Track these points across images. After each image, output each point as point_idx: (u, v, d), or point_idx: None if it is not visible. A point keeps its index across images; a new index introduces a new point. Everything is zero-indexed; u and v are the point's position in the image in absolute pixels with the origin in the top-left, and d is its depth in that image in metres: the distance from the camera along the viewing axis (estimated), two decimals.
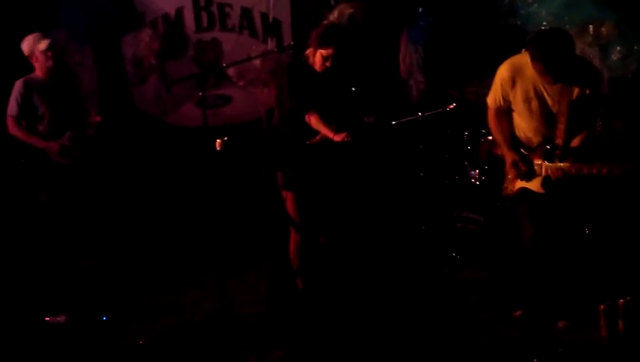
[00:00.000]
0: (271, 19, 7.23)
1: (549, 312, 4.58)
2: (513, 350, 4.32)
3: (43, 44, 5.42)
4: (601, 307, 4.45)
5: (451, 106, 6.34)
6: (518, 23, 6.64)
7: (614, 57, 6.53)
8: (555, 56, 4.17)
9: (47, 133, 5.46)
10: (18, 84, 5.43)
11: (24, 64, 5.56)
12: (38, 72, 5.50)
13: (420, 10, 7.10)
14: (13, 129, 5.43)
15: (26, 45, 5.48)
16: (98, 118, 5.73)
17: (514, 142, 4.59)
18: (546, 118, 4.42)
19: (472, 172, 6.22)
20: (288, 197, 5.08)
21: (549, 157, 4.41)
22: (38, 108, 5.43)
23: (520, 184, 4.56)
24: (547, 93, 4.38)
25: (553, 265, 4.60)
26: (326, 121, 4.97)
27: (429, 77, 7.22)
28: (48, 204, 5.48)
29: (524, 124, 4.53)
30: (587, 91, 4.33)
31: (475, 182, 6.20)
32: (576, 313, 4.62)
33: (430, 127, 6.55)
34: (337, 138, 4.88)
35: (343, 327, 4.73)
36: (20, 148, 5.50)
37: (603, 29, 6.51)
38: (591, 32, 6.48)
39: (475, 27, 7.00)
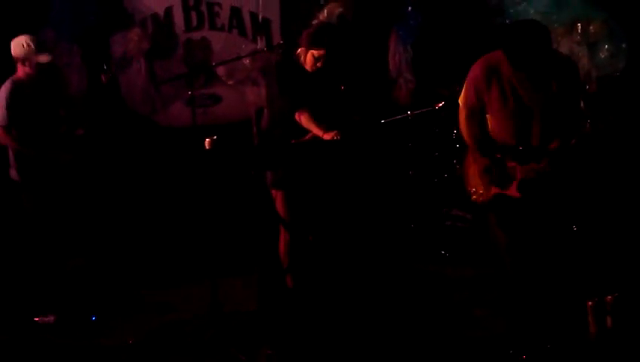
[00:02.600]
0: (260, 19, 7.22)
1: (535, 309, 4.57)
2: (502, 347, 4.33)
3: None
4: (590, 303, 4.46)
5: (440, 105, 6.35)
6: (507, 21, 6.66)
7: (602, 55, 6.56)
8: (527, 53, 3.98)
9: (31, 136, 5.27)
10: (4, 90, 5.19)
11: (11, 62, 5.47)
12: (21, 74, 5.29)
13: (409, 9, 7.11)
14: (3, 139, 5.22)
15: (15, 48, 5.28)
16: (81, 132, 5.66)
17: (487, 145, 4.36)
18: (522, 117, 4.19)
19: (461, 170, 6.23)
20: (278, 196, 5.08)
21: (523, 159, 4.21)
22: (24, 111, 5.22)
23: (495, 190, 4.33)
24: (524, 90, 4.15)
25: (533, 267, 4.45)
26: (316, 120, 4.98)
27: (418, 76, 7.22)
28: (33, 204, 5.37)
29: (499, 126, 4.29)
30: (565, 88, 4.14)
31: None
32: (564, 309, 4.63)
33: (419, 126, 6.57)
34: (327, 137, 4.89)
35: (333, 326, 4.74)
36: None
37: (591, 28, 6.53)
38: (579, 31, 6.51)
39: (464, 26, 7.01)
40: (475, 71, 4.29)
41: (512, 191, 4.26)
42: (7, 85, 5.23)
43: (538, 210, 4.33)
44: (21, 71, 5.29)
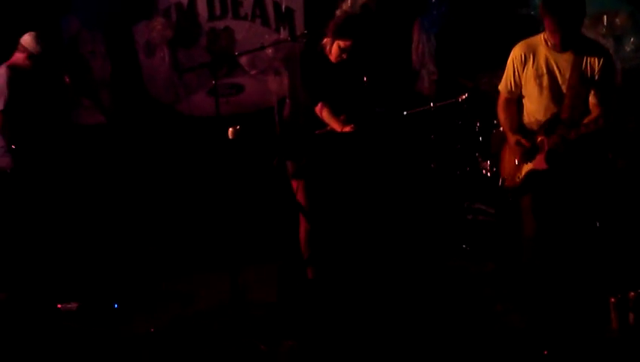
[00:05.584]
0: (283, 8, 7.22)
1: (558, 305, 4.57)
2: (523, 341, 4.32)
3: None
4: (612, 299, 4.45)
5: (463, 96, 6.32)
6: (532, 12, 6.62)
7: (628, 48, 6.53)
8: (567, 8, 4.20)
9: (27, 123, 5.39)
10: (3, 76, 5.30)
11: None
12: (20, 62, 5.43)
13: None
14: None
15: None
16: (67, 80, 5.71)
17: (520, 128, 4.63)
18: (555, 95, 4.45)
19: (484, 163, 6.20)
20: (299, 186, 5.07)
21: (550, 128, 4.45)
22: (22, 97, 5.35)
23: (526, 168, 4.58)
24: (558, 68, 4.41)
25: (559, 260, 4.55)
26: (338, 110, 4.96)
27: (442, 67, 7.21)
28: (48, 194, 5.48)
29: (533, 106, 4.56)
30: (597, 68, 4.36)
31: (486, 174, 6.18)
32: (586, 305, 4.61)
33: (442, 118, 6.54)
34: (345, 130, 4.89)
35: (354, 317, 4.74)
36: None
37: (617, 20, 6.50)
38: (605, 23, 6.48)
39: (488, 17, 6.98)
40: (515, 51, 4.59)
41: (541, 163, 4.50)
42: (5, 71, 5.34)
43: (566, 180, 4.51)
44: (21, 59, 5.42)
